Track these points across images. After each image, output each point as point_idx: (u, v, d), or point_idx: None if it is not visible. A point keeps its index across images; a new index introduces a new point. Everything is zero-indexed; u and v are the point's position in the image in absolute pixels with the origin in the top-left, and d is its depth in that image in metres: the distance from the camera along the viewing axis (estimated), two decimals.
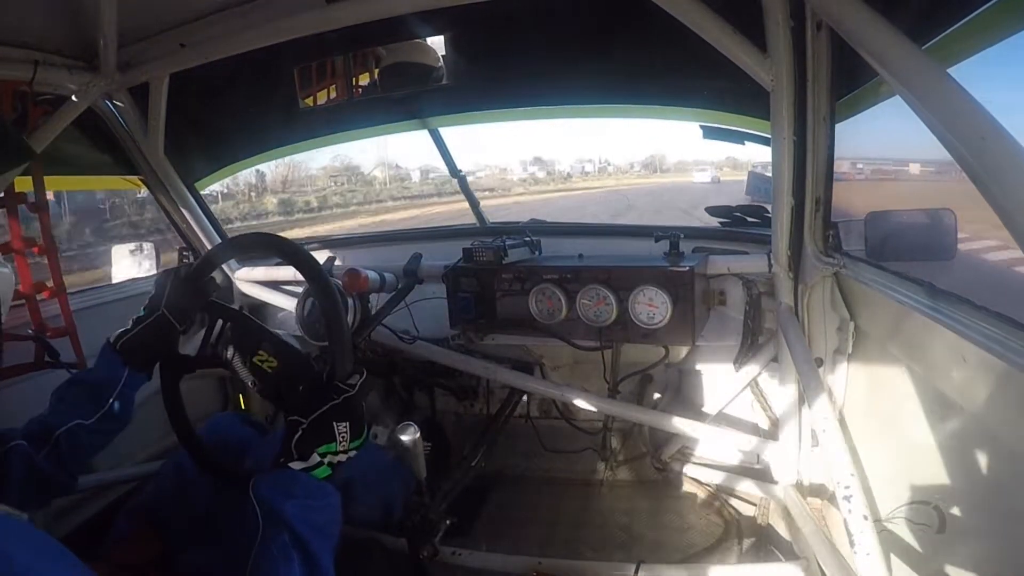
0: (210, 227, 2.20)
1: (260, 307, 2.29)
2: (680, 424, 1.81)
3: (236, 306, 2.27)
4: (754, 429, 1.85)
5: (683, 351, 1.84)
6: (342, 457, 0.88)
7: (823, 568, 1.31)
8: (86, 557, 0.65)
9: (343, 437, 0.88)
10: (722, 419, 1.84)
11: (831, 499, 1.54)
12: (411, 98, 1.96)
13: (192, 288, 1.07)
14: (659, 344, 1.71)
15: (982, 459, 0.92)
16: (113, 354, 1.02)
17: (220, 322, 1.07)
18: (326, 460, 0.87)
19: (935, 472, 1.07)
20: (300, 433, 0.86)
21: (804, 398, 1.40)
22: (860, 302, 1.40)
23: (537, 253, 1.83)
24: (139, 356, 1.04)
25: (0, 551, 0.56)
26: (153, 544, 1.07)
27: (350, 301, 1.64)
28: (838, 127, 1.36)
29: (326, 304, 1.01)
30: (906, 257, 1.35)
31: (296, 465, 0.85)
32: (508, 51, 1.79)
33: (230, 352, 1.03)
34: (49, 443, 0.95)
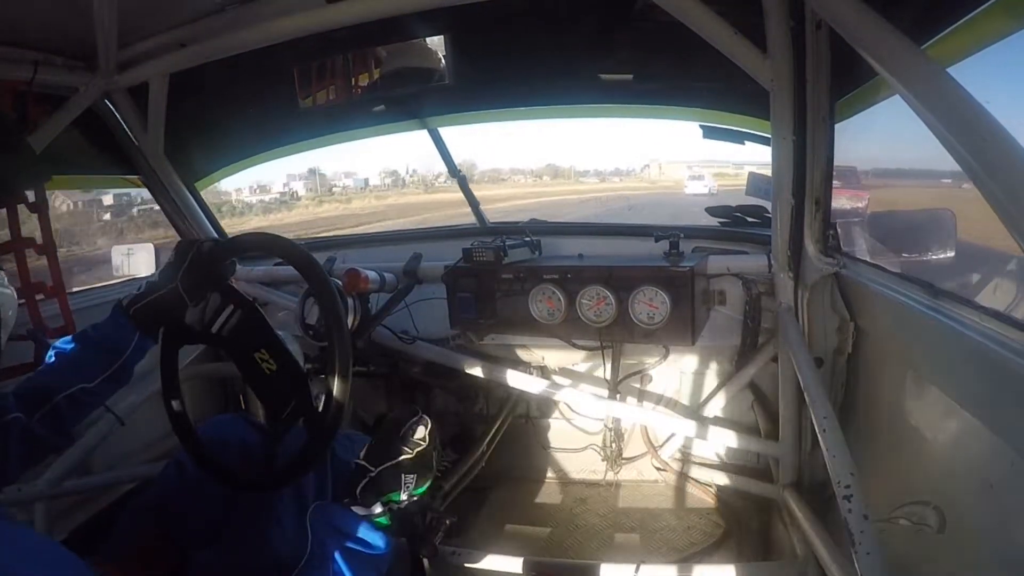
0: (209, 227, 2.20)
1: (260, 307, 2.29)
2: (680, 424, 1.81)
3: None
4: (754, 429, 1.85)
5: (683, 351, 1.84)
6: (404, 504, 0.91)
7: (823, 568, 1.31)
8: (87, 558, 0.65)
9: (407, 487, 0.90)
10: (722, 419, 1.85)
11: (831, 499, 1.54)
12: (411, 98, 1.96)
13: (211, 267, 1.05)
14: (659, 344, 1.71)
15: (982, 459, 0.92)
16: (125, 319, 1.01)
17: (231, 308, 1.06)
18: (388, 507, 0.89)
19: (935, 472, 1.07)
20: (367, 480, 0.88)
21: (804, 398, 1.40)
22: (860, 302, 1.40)
23: (537, 253, 1.83)
24: (148, 323, 1.03)
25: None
26: (171, 553, 1.06)
27: (350, 301, 1.64)
28: (838, 127, 1.36)
29: (326, 304, 1.01)
30: (906, 257, 1.36)
31: (359, 510, 0.87)
32: (508, 51, 1.79)
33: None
34: (47, 406, 0.94)
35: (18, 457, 0.91)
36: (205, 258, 1.04)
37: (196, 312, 1.08)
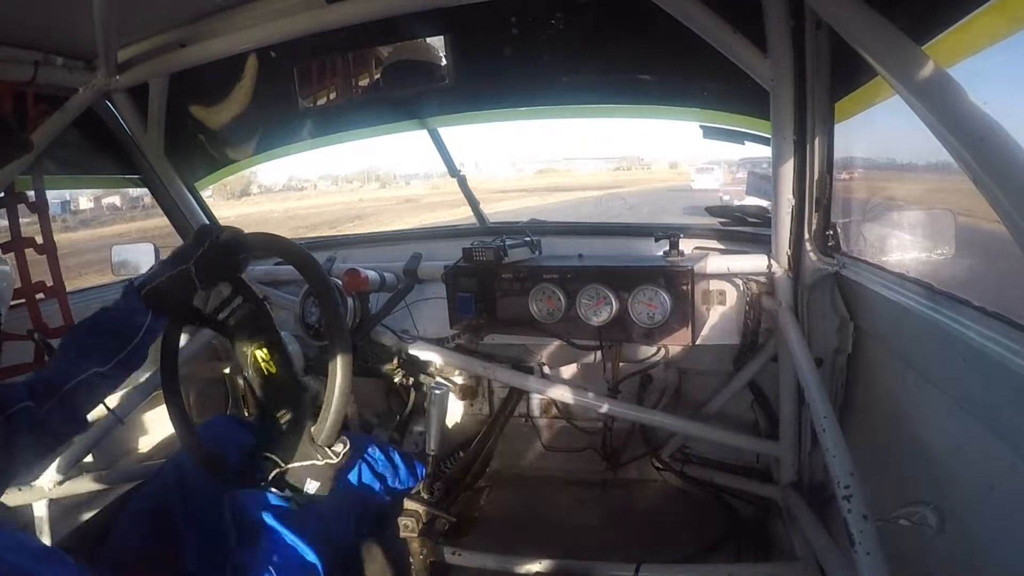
0: None
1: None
2: (680, 424, 1.81)
3: None
4: (754, 429, 1.85)
5: (683, 351, 1.84)
6: (306, 500, 0.99)
7: (823, 568, 1.31)
8: (88, 559, 0.65)
9: (310, 490, 0.98)
10: (722, 419, 1.84)
11: (831, 499, 1.55)
12: (411, 98, 1.96)
13: (227, 257, 1.03)
14: (659, 344, 1.71)
15: (982, 459, 0.92)
16: (137, 300, 0.99)
17: (240, 300, 1.06)
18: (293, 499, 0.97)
19: (935, 472, 1.07)
20: (275, 473, 0.95)
21: (804, 398, 1.40)
22: (860, 302, 1.40)
23: (537, 253, 1.83)
24: (159, 303, 1.01)
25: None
26: (170, 557, 1.07)
27: (350, 301, 1.64)
28: (838, 127, 1.36)
29: (326, 304, 1.02)
30: (905, 256, 1.36)
31: (273, 496, 0.95)
32: (508, 51, 1.79)
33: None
34: (59, 393, 0.92)
35: (25, 448, 0.89)
36: (222, 248, 1.02)
37: (205, 297, 1.08)
